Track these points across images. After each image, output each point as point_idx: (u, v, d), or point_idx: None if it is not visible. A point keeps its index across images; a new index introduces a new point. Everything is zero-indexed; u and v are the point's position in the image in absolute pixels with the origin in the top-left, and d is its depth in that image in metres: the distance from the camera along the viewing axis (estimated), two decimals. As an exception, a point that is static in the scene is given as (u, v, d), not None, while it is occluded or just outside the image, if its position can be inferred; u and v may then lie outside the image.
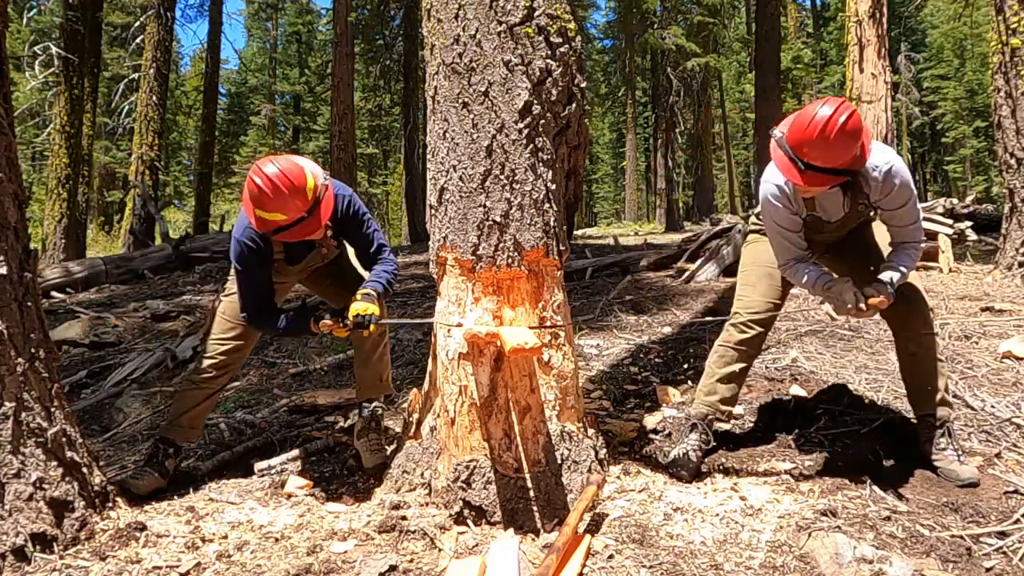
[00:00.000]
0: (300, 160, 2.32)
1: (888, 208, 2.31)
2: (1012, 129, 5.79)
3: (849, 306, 2.25)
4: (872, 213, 2.41)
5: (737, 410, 2.99)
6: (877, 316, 2.49)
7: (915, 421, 2.53)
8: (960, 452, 2.41)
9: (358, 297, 2.40)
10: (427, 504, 2.20)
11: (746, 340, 2.55)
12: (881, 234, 2.53)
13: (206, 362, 2.68)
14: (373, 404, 2.82)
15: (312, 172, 2.29)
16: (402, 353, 4.60)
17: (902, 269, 2.33)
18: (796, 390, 3.23)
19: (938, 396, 2.44)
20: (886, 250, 2.48)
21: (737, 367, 2.57)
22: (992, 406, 2.87)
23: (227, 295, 2.71)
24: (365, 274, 2.85)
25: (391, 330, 5.06)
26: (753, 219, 2.75)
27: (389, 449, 2.67)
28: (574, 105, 2.22)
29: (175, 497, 2.48)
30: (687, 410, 2.65)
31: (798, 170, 2.15)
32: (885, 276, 2.31)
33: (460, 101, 2.11)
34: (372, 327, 2.35)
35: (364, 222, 2.62)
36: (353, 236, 2.65)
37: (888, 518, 2.05)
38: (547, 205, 2.14)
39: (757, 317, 2.55)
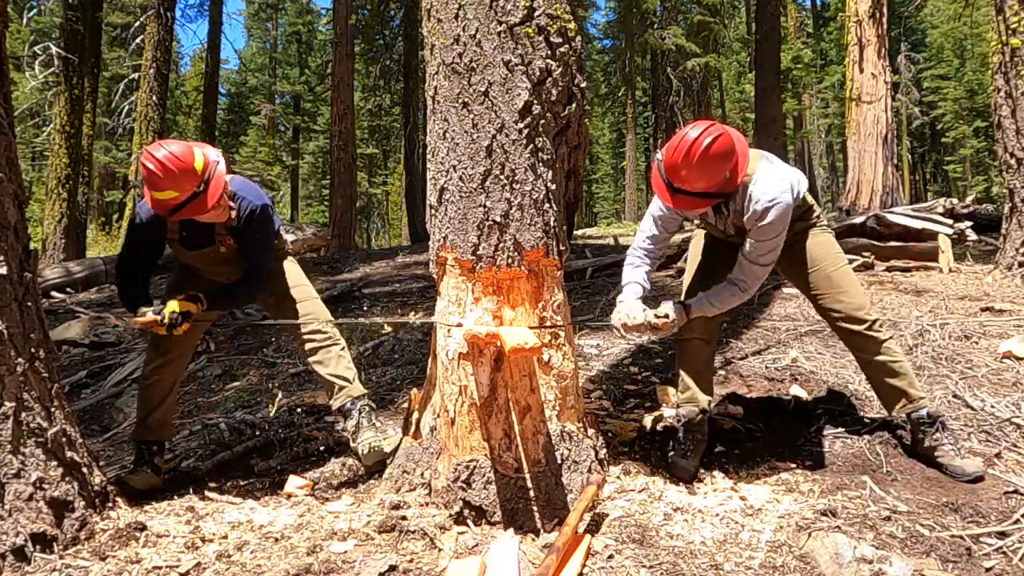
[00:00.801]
0: (191, 143, 2.46)
1: (750, 236, 2.30)
2: (1012, 129, 5.79)
3: (639, 322, 2.27)
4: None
5: (737, 409, 3.00)
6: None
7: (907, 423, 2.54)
8: (957, 444, 2.42)
9: (180, 297, 2.52)
10: (427, 504, 2.20)
11: (693, 326, 2.53)
12: (819, 254, 2.51)
13: (150, 353, 2.75)
14: (360, 403, 2.81)
15: (203, 152, 2.43)
16: (402, 353, 4.60)
17: (713, 301, 2.34)
18: (796, 390, 3.23)
19: (903, 398, 2.47)
20: (818, 268, 2.49)
21: (699, 356, 2.60)
22: (992, 406, 2.87)
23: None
24: (311, 302, 2.89)
25: (391, 329, 5.06)
26: None
27: (389, 446, 2.66)
28: (574, 105, 2.22)
29: (175, 497, 2.48)
30: (678, 412, 2.66)
31: (670, 193, 2.20)
32: (691, 300, 2.37)
33: (460, 101, 2.11)
34: (184, 326, 2.47)
35: (258, 237, 2.67)
36: (243, 244, 2.68)
37: (888, 518, 2.05)
38: (547, 205, 2.14)
39: None
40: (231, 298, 2.73)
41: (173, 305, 2.46)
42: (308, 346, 2.82)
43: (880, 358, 2.47)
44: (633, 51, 25.00)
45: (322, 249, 12.94)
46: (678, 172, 2.13)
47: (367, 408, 2.81)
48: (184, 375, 3.49)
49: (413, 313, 5.82)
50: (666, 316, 2.29)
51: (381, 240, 35.02)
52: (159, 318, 2.44)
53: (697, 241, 2.72)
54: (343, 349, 2.87)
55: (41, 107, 15.66)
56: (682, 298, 2.55)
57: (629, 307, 2.33)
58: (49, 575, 1.89)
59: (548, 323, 2.15)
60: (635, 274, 2.45)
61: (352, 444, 2.77)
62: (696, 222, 2.47)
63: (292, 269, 2.95)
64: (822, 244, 2.52)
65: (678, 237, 6.54)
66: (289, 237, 12.64)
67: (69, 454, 2.11)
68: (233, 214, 2.60)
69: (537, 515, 2.06)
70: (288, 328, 2.88)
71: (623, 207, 31.94)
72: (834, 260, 2.51)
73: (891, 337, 2.51)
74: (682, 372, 2.65)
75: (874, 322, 2.46)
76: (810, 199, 2.55)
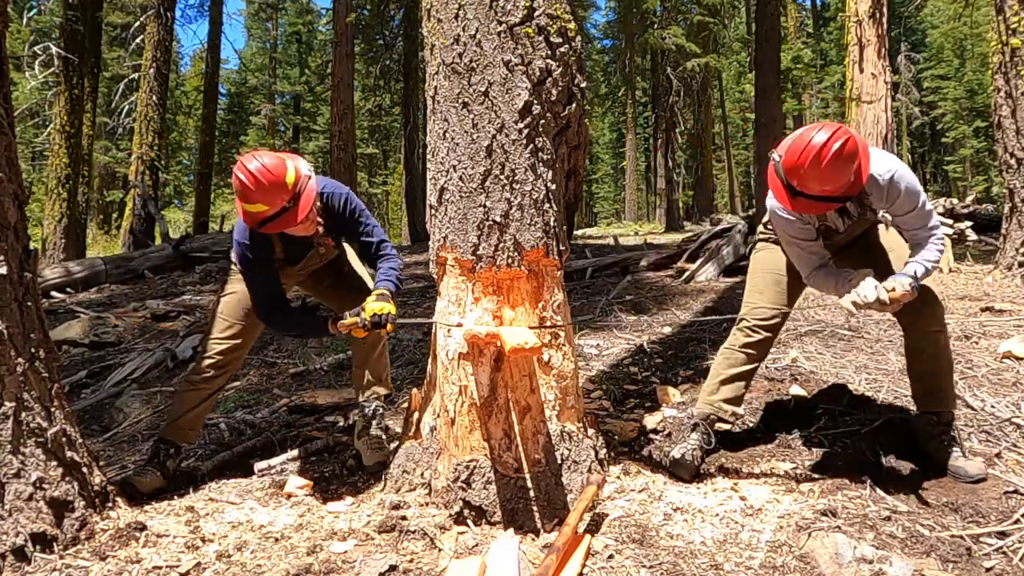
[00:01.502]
0: (284, 155, 2.42)
1: (897, 214, 2.29)
2: (1012, 129, 5.79)
3: (871, 300, 2.19)
4: (880, 219, 2.38)
5: (737, 410, 3.00)
6: (878, 315, 2.49)
7: (917, 419, 2.53)
8: (963, 447, 2.42)
9: (374, 297, 2.46)
10: (427, 504, 2.19)
11: (752, 344, 2.55)
12: (888, 236, 2.51)
13: (204, 362, 2.69)
14: (374, 403, 2.83)
15: (295, 165, 2.39)
16: (402, 353, 4.60)
17: (926, 263, 2.29)
18: (796, 390, 3.23)
19: (947, 396, 2.46)
20: (894, 251, 2.46)
21: (742, 369, 2.57)
22: (992, 406, 2.87)
23: (225, 295, 2.72)
24: (365, 276, 2.87)
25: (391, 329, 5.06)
26: (761, 227, 2.74)
27: (390, 448, 2.67)
28: (574, 105, 2.22)
29: (175, 497, 2.48)
30: (690, 409, 2.65)
31: (788, 196, 2.14)
32: (908, 269, 2.28)
33: (460, 101, 2.11)
34: (390, 326, 2.40)
35: (361, 220, 2.66)
36: (352, 234, 2.69)
37: (888, 518, 2.05)
38: (547, 205, 2.14)
39: (763, 323, 2.55)
40: (395, 279, 2.63)
41: (374, 307, 2.39)
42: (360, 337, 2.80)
43: (935, 351, 2.41)
44: (633, 51, 25.00)
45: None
46: (802, 175, 2.06)
47: (380, 409, 2.84)
48: (180, 373, 3.49)
49: (410, 315, 5.82)
50: (894, 290, 2.20)
51: (381, 240, 34.97)
52: (359, 320, 2.37)
53: (762, 257, 2.65)
54: (385, 344, 2.91)
55: (41, 107, 15.67)
56: (741, 315, 2.56)
57: (862, 286, 2.23)
58: (49, 575, 1.89)
59: (548, 323, 2.15)
60: (835, 270, 2.38)
61: (355, 442, 2.78)
62: (817, 225, 2.39)
63: (351, 251, 2.99)
64: (894, 232, 2.49)
65: (677, 237, 6.53)
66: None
67: (69, 454, 2.11)
68: (321, 229, 2.57)
69: (537, 515, 2.06)
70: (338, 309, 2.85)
71: (623, 207, 31.95)
72: (903, 247, 2.48)
73: (946, 334, 2.46)
74: (719, 375, 2.59)
75: (943, 311, 2.41)
76: None
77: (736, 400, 2.60)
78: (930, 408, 2.47)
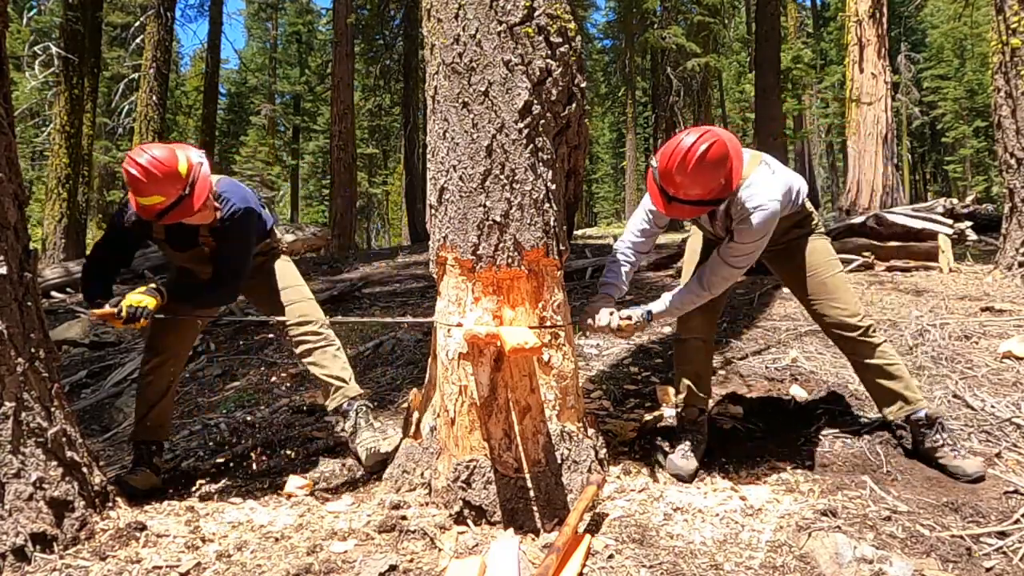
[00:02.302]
0: (174, 145, 2.43)
1: (730, 239, 2.28)
2: (1012, 129, 5.79)
3: (603, 325, 2.28)
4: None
5: (737, 409, 3.00)
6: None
7: (903, 425, 2.54)
8: (957, 444, 2.43)
9: (141, 288, 2.46)
10: (427, 504, 2.19)
11: (691, 326, 2.56)
12: (816, 261, 2.50)
13: (146, 353, 2.73)
14: (356, 404, 2.80)
15: (186, 155, 2.40)
16: (402, 353, 4.60)
17: (677, 301, 2.34)
18: (796, 390, 3.23)
19: (899, 400, 2.47)
20: (815, 274, 2.49)
21: (697, 356, 2.60)
22: (992, 406, 2.87)
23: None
24: (304, 304, 2.86)
25: (391, 330, 5.06)
26: None
27: (389, 446, 2.66)
28: (574, 105, 2.22)
29: (175, 497, 2.48)
30: (678, 412, 2.67)
31: (664, 200, 2.18)
32: (655, 303, 2.35)
33: (460, 101, 2.11)
34: (143, 321, 2.39)
35: (235, 239, 2.60)
36: (218, 243, 2.62)
37: (888, 518, 2.05)
38: (547, 205, 2.14)
39: None
40: (196, 298, 2.65)
41: (132, 298, 2.39)
42: (302, 347, 2.81)
43: (875, 361, 2.47)
44: (633, 51, 24.99)
45: (322, 249, 12.95)
46: (672, 179, 2.10)
47: (364, 408, 2.81)
48: (182, 374, 3.49)
49: (410, 315, 5.82)
50: (628, 319, 2.30)
51: (381, 240, 35.03)
52: (115, 310, 2.37)
53: (694, 240, 2.72)
54: (338, 350, 2.86)
55: (41, 107, 15.67)
56: None
57: (594, 309, 2.34)
58: (49, 575, 1.89)
59: (548, 323, 2.15)
60: (614, 276, 2.45)
61: (351, 445, 2.77)
62: (688, 222, 2.47)
63: (286, 269, 2.92)
64: (819, 251, 2.52)
65: (677, 237, 6.54)
66: (289, 237, 12.64)
67: (69, 454, 2.11)
68: (218, 215, 2.56)
69: (537, 515, 2.06)
70: (282, 328, 2.86)
71: (623, 207, 31.95)
72: (830, 266, 2.51)
73: (885, 341, 2.51)
74: (680, 372, 2.65)
75: (868, 328, 2.46)
76: (809, 206, 2.54)
77: (705, 388, 2.64)
78: (898, 412, 2.49)
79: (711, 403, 2.70)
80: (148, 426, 2.72)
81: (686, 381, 2.62)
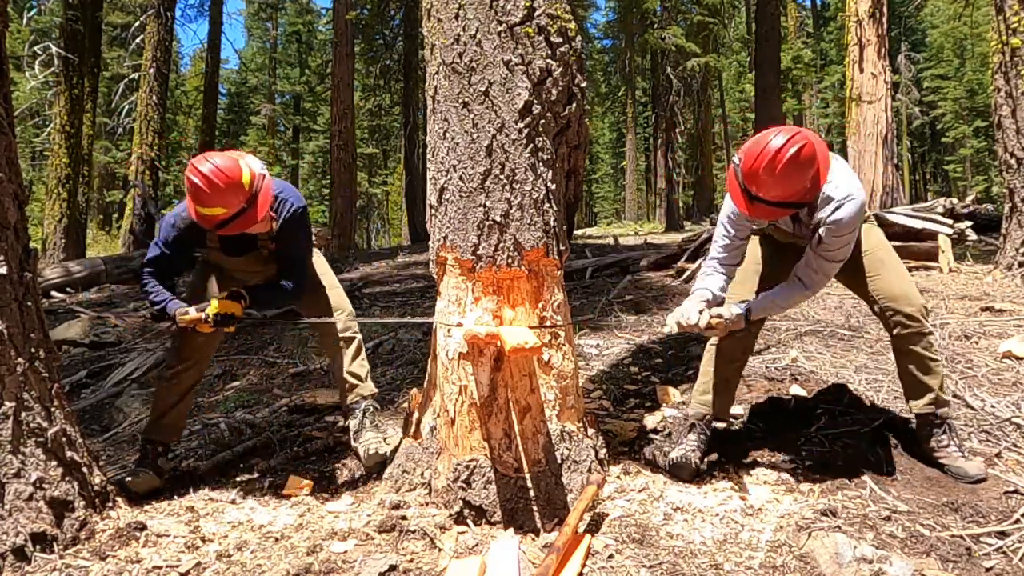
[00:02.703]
0: (236, 154, 2.39)
1: (817, 243, 2.25)
2: (1012, 129, 5.79)
3: (693, 323, 2.25)
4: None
5: (737, 410, 3.00)
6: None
7: (913, 420, 2.53)
8: (962, 447, 2.42)
9: (225, 294, 2.46)
10: (427, 504, 2.19)
11: (736, 339, 2.52)
12: (874, 242, 2.47)
13: (173, 357, 2.71)
14: (364, 403, 2.81)
15: (248, 165, 2.36)
16: (402, 353, 4.60)
17: (773, 299, 2.31)
18: (796, 390, 3.23)
19: (931, 394, 2.43)
20: (870, 258, 2.44)
21: (730, 365, 2.58)
22: (992, 406, 2.87)
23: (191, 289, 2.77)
24: (337, 292, 2.88)
25: (391, 330, 5.06)
26: None
27: (389, 447, 2.66)
28: (574, 105, 2.22)
29: (175, 497, 2.48)
30: (685, 410, 2.66)
31: (746, 201, 2.13)
32: (752, 302, 2.32)
33: (460, 101, 2.11)
34: (232, 327, 2.44)
35: (299, 235, 2.63)
36: (283, 241, 2.63)
37: (888, 518, 2.05)
38: (547, 205, 2.14)
39: None
40: (275, 297, 2.65)
41: (219, 304, 2.40)
42: (328, 339, 2.81)
43: (919, 350, 2.39)
44: (633, 51, 25.01)
45: (322, 249, 12.92)
46: (758, 179, 2.04)
47: (372, 409, 2.82)
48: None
49: (410, 315, 5.82)
50: (719, 316, 2.25)
51: (381, 240, 35.04)
52: (203, 316, 2.37)
53: (753, 246, 2.64)
54: (361, 345, 2.87)
55: (41, 107, 15.67)
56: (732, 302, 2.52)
57: (685, 307, 2.29)
58: (49, 575, 1.89)
59: (548, 323, 2.15)
60: (707, 282, 2.41)
61: (353, 444, 2.77)
62: (763, 226, 2.41)
63: (319, 260, 2.95)
64: (876, 233, 2.48)
65: (677, 237, 6.53)
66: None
67: (69, 454, 2.11)
68: (275, 225, 2.56)
69: (537, 515, 2.06)
70: (311, 320, 2.85)
71: (623, 207, 31.97)
72: (887, 248, 2.47)
73: (932, 333, 2.44)
74: (708, 374, 2.59)
75: (924, 313, 2.38)
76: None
77: (728, 398, 2.61)
78: (917, 406, 2.46)
79: (725, 415, 2.68)
80: (162, 426, 2.71)
81: (710, 385, 2.57)
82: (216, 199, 2.25)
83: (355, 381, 2.81)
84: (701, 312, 2.26)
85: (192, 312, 2.40)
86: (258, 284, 2.66)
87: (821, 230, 2.23)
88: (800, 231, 2.39)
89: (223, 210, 2.27)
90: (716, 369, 2.59)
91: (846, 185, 2.18)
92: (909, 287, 2.42)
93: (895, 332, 2.44)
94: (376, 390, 2.89)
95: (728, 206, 2.37)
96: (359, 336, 2.89)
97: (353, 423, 2.78)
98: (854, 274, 2.49)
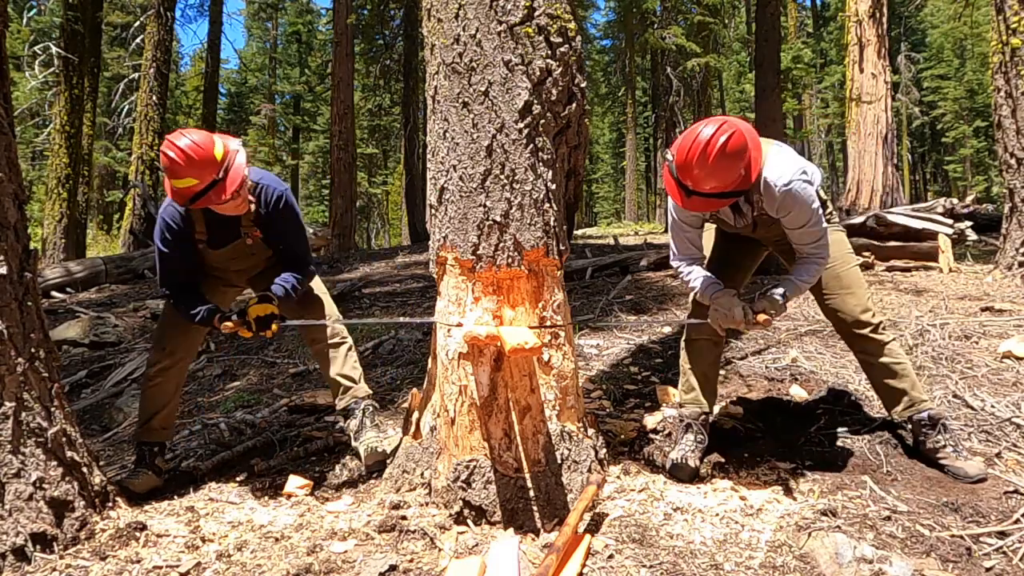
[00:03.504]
0: (213, 133, 2.46)
1: (788, 227, 2.27)
2: (1012, 129, 5.79)
3: (737, 319, 2.23)
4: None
5: (737, 409, 3.00)
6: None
7: (905, 424, 2.54)
8: (959, 447, 2.42)
9: (256, 299, 2.51)
10: (427, 504, 2.19)
11: (702, 328, 2.52)
12: (831, 254, 2.46)
13: (155, 353, 2.72)
14: (364, 403, 2.80)
15: (223, 141, 2.43)
16: (402, 353, 4.60)
17: (798, 282, 2.31)
18: (796, 390, 3.23)
19: (905, 397, 2.47)
20: (826, 273, 2.46)
21: (706, 357, 2.59)
22: (992, 406, 2.87)
23: None
24: (326, 298, 2.89)
25: (391, 330, 5.06)
26: None
27: (390, 445, 2.66)
28: (574, 105, 2.22)
29: (175, 497, 2.48)
30: (680, 411, 2.66)
31: (683, 195, 2.12)
32: (778, 290, 2.30)
33: (460, 101, 2.11)
34: (275, 327, 2.49)
35: (290, 223, 2.69)
36: (276, 233, 2.69)
37: (888, 518, 2.05)
38: (547, 205, 2.14)
39: None
40: (292, 287, 2.67)
41: (257, 308, 2.48)
42: (318, 345, 2.82)
43: (883, 360, 2.47)
44: (633, 51, 25.00)
45: (322, 249, 12.96)
46: (691, 172, 2.04)
47: (371, 408, 2.81)
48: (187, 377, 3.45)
49: (410, 315, 5.82)
50: (763, 311, 2.25)
51: (381, 240, 35.03)
52: (244, 322, 2.46)
53: (707, 236, 2.67)
54: (351, 348, 2.87)
55: (41, 107, 15.67)
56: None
57: (726, 305, 2.27)
58: (49, 575, 1.89)
59: (548, 323, 2.15)
60: (699, 271, 2.40)
61: (353, 443, 2.77)
62: (707, 218, 2.43)
63: None
64: (834, 242, 2.47)
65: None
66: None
67: (69, 454, 2.11)
68: (252, 207, 2.60)
69: (537, 515, 2.06)
70: (299, 325, 2.86)
71: (623, 207, 31.94)
72: (844, 260, 2.49)
73: (894, 339, 2.51)
74: (687, 372, 2.64)
75: (878, 325, 2.46)
76: (824, 195, 2.53)
77: (712, 391, 2.63)
78: (902, 411, 2.49)
79: (714, 406, 2.69)
80: (152, 428, 2.70)
81: (692, 381, 2.62)
82: (188, 170, 2.31)
83: (349, 383, 2.80)
84: (743, 308, 2.24)
85: (231, 321, 2.49)
86: (274, 281, 2.65)
87: (783, 221, 2.25)
88: (739, 223, 2.41)
89: (195, 181, 2.33)
90: (693, 366, 2.62)
91: (786, 172, 2.18)
92: (862, 303, 2.46)
93: (856, 349, 2.54)
94: (371, 391, 2.88)
95: (672, 204, 2.37)
96: (350, 339, 2.88)
97: (353, 423, 2.77)
98: (816, 287, 2.52)
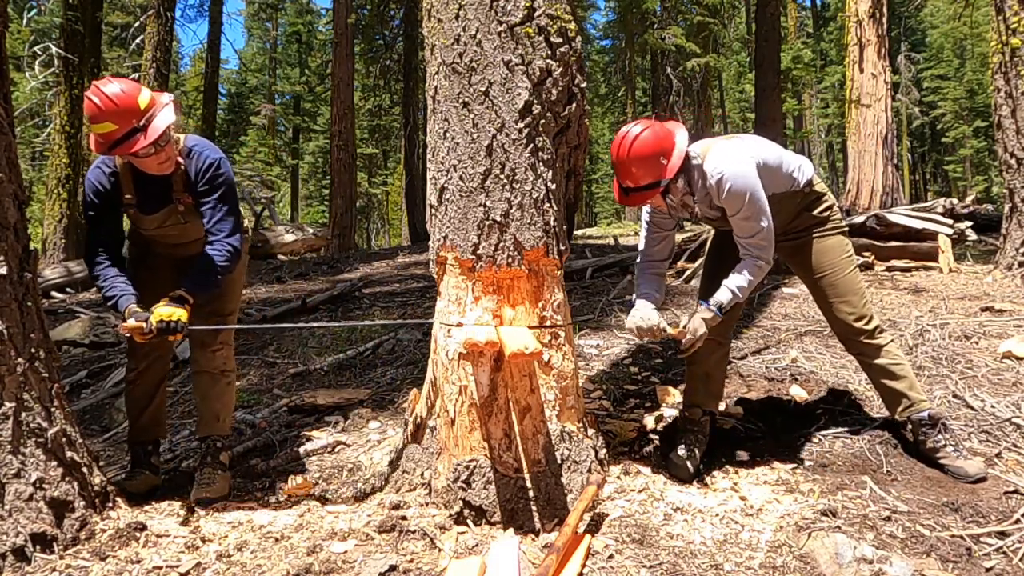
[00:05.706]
0: (142, 85, 2.40)
1: (729, 214, 2.36)
2: (1012, 129, 5.79)
3: (653, 323, 2.34)
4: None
5: (737, 409, 3.00)
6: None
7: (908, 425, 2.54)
8: (959, 447, 2.43)
9: (165, 300, 2.30)
10: (427, 504, 2.19)
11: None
12: (827, 260, 2.54)
13: (128, 359, 2.69)
14: (212, 441, 2.70)
15: (152, 94, 2.37)
16: (402, 353, 4.60)
17: (734, 288, 2.35)
18: (796, 390, 3.23)
19: (904, 398, 2.49)
20: (822, 280, 2.52)
21: (709, 357, 2.59)
22: (992, 406, 2.87)
23: None
24: (230, 332, 2.77)
25: (391, 330, 5.06)
26: None
27: (220, 485, 2.56)
28: (574, 105, 2.22)
29: (175, 497, 2.48)
30: (681, 411, 2.67)
31: (621, 194, 2.34)
32: (714, 298, 2.37)
33: (460, 101, 2.11)
34: (179, 335, 2.27)
35: (219, 191, 2.52)
36: (205, 199, 2.52)
37: (888, 518, 2.05)
38: (547, 205, 2.14)
39: None
40: (207, 274, 2.45)
41: (161, 311, 2.24)
42: (203, 375, 2.72)
43: (880, 362, 2.49)
44: (633, 51, 24.99)
45: (322, 249, 12.96)
46: (622, 170, 2.27)
47: (220, 443, 2.71)
48: (182, 374, 3.44)
49: (410, 315, 5.82)
50: (684, 327, 2.36)
51: (381, 240, 35.03)
52: (145, 326, 2.23)
53: (708, 239, 2.76)
54: (233, 388, 2.80)
55: (41, 107, 15.65)
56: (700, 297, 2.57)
57: (643, 311, 2.37)
58: (49, 575, 1.89)
59: (548, 323, 2.15)
60: (647, 285, 2.50)
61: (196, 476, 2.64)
62: (669, 210, 2.53)
63: (237, 285, 2.83)
64: (831, 249, 2.52)
65: (678, 237, 6.52)
66: (289, 237, 12.58)
67: (69, 454, 2.11)
68: (183, 169, 2.49)
69: (537, 515, 2.06)
70: (204, 345, 2.70)
71: (623, 207, 31.93)
72: (841, 266, 2.51)
73: (891, 340, 2.53)
74: (690, 371, 2.65)
75: (874, 330, 2.49)
76: (822, 188, 2.55)
77: (716, 393, 2.66)
78: (902, 412, 2.51)
79: (717, 406, 2.70)
80: (143, 427, 2.70)
81: (694, 381, 2.63)
82: (107, 115, 2.25)
83: (211, 419, 2.70)
84: (661, 322, 2.35)
85: (132, 321, 2.26)
86: (189, 272, 2.46)
87: (726, 207, 2.34)
88: (705, 211, 2.48)
89: (114, 127, 2.27)
90: (695, 365, 2.63)
91: (721, 163, 2.30)
92: (857, 310, 2.49)
93: (853, 352, 2.59)
94: (228, 433, 2.78)
95: (644, 209, 2.55)
96: (233, 376, 2.78)
97: (197, 456, 2.66)
98: (810, 288, 2.61)
